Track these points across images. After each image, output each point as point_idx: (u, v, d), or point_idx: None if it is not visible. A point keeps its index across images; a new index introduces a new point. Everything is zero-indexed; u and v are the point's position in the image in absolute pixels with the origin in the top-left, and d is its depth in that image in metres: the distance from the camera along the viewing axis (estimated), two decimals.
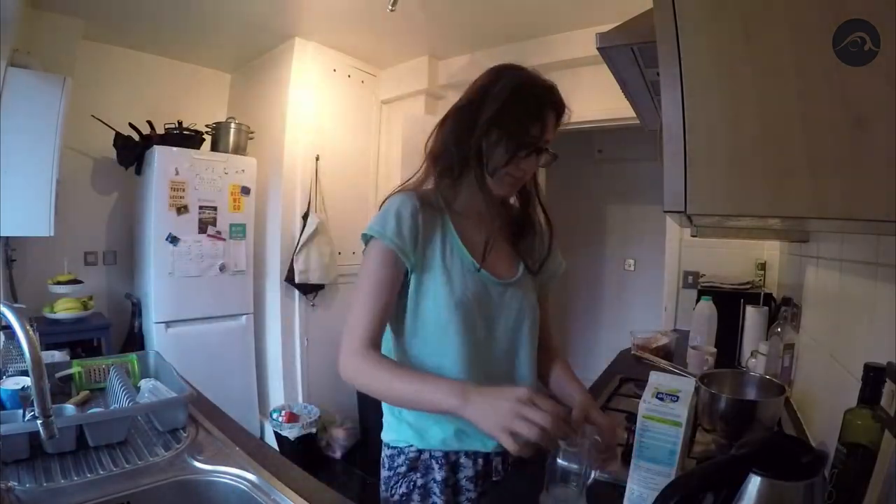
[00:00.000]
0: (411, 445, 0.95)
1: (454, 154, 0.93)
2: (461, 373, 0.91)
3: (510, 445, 0.68)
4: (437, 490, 0.93)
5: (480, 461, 0.96)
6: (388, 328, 0.95)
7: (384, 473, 0.99)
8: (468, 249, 0.95)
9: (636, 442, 0.78)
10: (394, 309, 0.93)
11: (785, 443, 0.67)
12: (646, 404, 0.77)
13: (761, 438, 0.68)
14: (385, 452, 1.00)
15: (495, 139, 0.90)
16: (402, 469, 0.95)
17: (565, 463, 0.79)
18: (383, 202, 0.95)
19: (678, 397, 0.76)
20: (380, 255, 0.90)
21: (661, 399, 0.76)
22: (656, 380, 0.80)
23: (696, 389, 0.86)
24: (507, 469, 0.98)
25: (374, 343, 0.88)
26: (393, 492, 0.95)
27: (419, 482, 0.94)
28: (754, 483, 0.59)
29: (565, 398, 0.98)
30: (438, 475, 0.93)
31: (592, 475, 0.85)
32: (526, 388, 0.73)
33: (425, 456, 0.95)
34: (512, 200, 1.06)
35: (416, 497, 0.94)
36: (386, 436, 1.01)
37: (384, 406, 1.01)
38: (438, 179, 0.96)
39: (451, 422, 0.91)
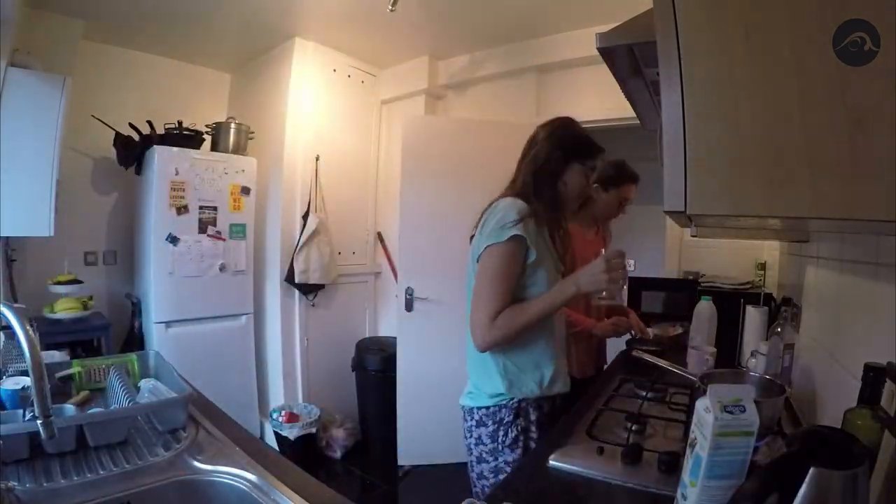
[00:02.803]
0: (511, 398, 1.23)
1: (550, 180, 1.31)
2: (549, 338, 1.29)
3: (609, 292, 1.14)
4: (533, 429, 1.25)
5: (557, 401, 1.33)
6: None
7: (487, 430, 1.24)
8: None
9: (707, 464, 0.72)
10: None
11: (830, 435, 0.66)
12: (718, 421, 0.71)
13: (807, 432, 0.67)
14: (481, 413, 1.25)
15: (570, 169, 1.33)
16: (509, 418, 1.23)
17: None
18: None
19: (744, 407, 0.72)
20: (513, 250, 1.19)
21: (731, 412, 0.71)
22: (716, 391, 0.74)
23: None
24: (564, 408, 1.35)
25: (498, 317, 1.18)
26: (503, 440, 1.22)
27: (522, 425, 1.23)
28: (810, 475, 0.59)
29: None
30: (533, 416, 1.26)
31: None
32: (601, 258, 1.15)
33: (523, 404, 1.24)
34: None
35: (521, 439, 1.23)
36: (477, 399, 1.26)
37: (472, 373, 1.30)
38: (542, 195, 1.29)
39: (539, 370, 1.25)
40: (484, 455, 1.25)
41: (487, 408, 1.25)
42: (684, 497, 0.78)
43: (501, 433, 1.22)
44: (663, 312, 2.29)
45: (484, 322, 1.17)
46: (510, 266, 1.18)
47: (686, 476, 0.78)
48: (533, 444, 1.24)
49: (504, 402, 1.23)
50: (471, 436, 1.27)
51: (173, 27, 2.76)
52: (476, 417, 1.26)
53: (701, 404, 0.76)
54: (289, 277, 2.97)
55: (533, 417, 1.26)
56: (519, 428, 1.23)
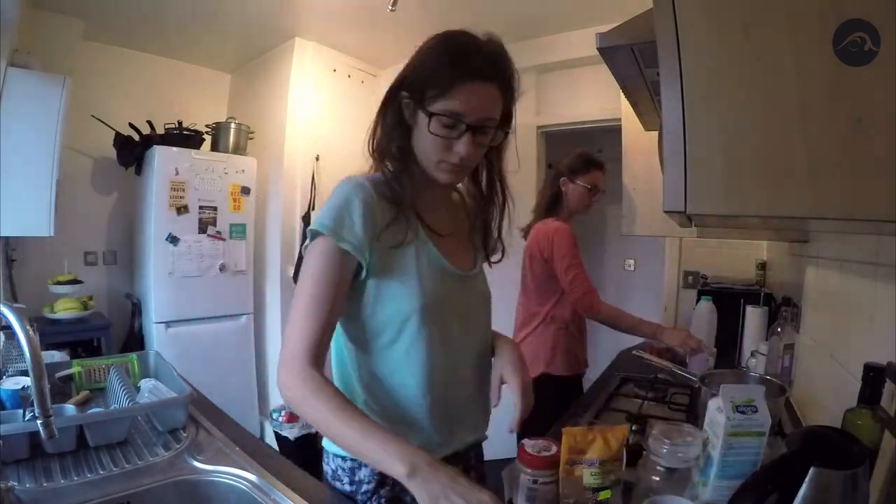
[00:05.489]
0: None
1: (393, 141, 0.83)
2: (424, 386, 0.83)
3: None
4: (407, 499, 0.82)
5: (469, 457, 0.95)
6: (342, 340, 0.87)
7: (343, 487, 0.86)
8: (433, 243, 0.85)
9: (718, 463, 0.72)
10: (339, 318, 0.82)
11: (830, 435, 0.67)
12: (730, 421, 0.70)
13: (807, 432, 0.67)
14: (338, 464, 0.86)
15: (419, 120, 0.79)
16: (369, 485, 0.84)
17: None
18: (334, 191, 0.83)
19: (756, 407, 0.72)
20: (330, 254, 0.78)
21: (744, 412, 0.71)
22: (728, 391, 0.73)
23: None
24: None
25: (318, 360, 0.76)
26: None
27: (388, 495, 0.84)
28: (810, 475, 0.59)
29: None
30: None
31: None
32: (485, 495, 0.61)
33: None
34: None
35: None
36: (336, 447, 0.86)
37: None
38: (387, 169, 0.83)
39: (421, 434, 0.84)
40: None
41: (343, 458, 0.86)
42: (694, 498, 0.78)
43: (360, 500, 0.84)
44: None
45: (289, 360, 0.75)
46: (327, 273, 0.79)
47: (696, 476, 0.78)
48: None
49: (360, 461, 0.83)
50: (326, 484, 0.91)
51: (173, 27, 2.76)
52: (332, 466, 0.88)
53: (713, 404, 0.76)
54: (295, 275, 2.97)
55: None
56: (382, 501, 0.84)
